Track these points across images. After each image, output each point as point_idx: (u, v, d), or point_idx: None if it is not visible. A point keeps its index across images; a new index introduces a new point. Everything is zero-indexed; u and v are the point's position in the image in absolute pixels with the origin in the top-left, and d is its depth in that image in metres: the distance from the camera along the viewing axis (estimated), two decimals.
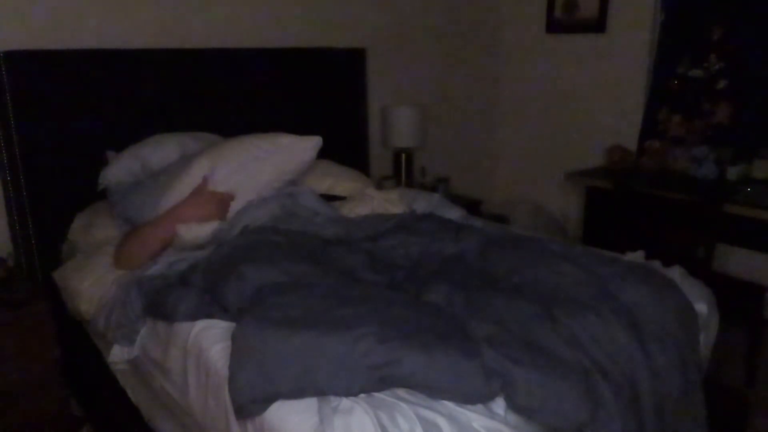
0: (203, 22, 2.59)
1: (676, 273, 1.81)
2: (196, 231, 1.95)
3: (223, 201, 2.06)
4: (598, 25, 3.36)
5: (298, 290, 1.52)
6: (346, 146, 3.09)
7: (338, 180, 2.60)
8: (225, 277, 1.61)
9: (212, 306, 1.60)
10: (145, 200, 2.06)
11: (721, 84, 2.97)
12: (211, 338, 1.50)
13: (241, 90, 2.69)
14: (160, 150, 2.27)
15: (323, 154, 2.79)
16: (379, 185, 2.94)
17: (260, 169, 2.13)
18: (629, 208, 2.60)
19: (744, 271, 2.83)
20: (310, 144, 2.20)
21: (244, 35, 2.71)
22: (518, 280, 1.68)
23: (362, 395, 1.24)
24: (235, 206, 2.09)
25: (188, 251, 1.88)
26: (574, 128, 3.62)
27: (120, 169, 2.22)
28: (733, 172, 2.80)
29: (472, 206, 3.10)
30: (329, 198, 2.37)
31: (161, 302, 1.65)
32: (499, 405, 1.25)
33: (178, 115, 2.49)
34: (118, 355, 1.77)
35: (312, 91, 2.93)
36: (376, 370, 1.25)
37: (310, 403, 1.24)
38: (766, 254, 2.75)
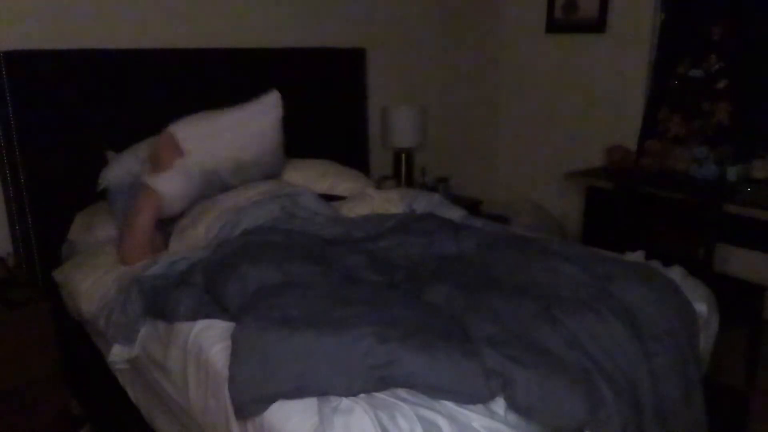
0: (203, 22, 2.59)
1: (676, 273, 1.81)
2: (166, 179, 2.00)
3: (168, 143, 2.09)
4: (598, 25, 3.36)
5: (298, 290, 1.52)
6: (346, 146, 3.09)
7: (338, 180, 2.60)
8: (225, 277, 1.62)
9: (212, 306, 1.60)
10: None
11: (721, 84, 2.97)
12: (211, 338, 1.50)
13: (241, 90, 2.68)
14: None
15: (323, 154, 2.81)
16: (379, 185, 2.94)
17: (218, 121, 2.21)
18: (629, 208, 2.60)
19: (744, 271, 2.83)
20: (269, 98, 2.32)
21: (245, 35, 2.71)
22: (518, 280, 1.68)
23: (362, 395, 1.24)
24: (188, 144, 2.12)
25: (187, 252, 1.88)
26: (574, 128, 3.62)
27: (120, 169, 2.22)
28: (733, 172, 2.80)
29: (472, 206, 3.10)
30: (329, 198, 2.37)
31: (161, 302, 1.65)
32: (499, 405, 1.25)
33: (178, 115, 2.48)
34: (118, 355, 1.77)
35: (312, 91, 2.93)
36: (376, 370, 1.25)
37: (310, 403, 1.24)
38: (766, 254, 2.76)
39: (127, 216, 2.02)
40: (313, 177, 2.54)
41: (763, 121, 2.87)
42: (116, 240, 2.07)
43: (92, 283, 1.91)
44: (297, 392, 1.26)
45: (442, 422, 1.18)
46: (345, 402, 1.22)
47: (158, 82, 2.44)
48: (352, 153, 3.09)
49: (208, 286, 1.66)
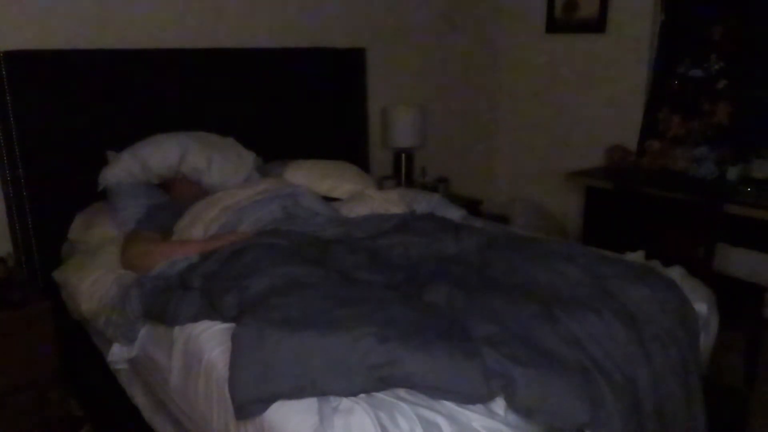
0: (203, 22, 2.59)
1: (676, 273, 1.81)
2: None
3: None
4: (598, 25, 3.36)
5: (298, 291, 1.51)
6: (346, 146, 3.09)
7: (340, 180, 2.58)
8: (226, 288, 1.60)
9: (212, 310, 1.59)
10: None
11: (721, 84, 2.97)
12: (211, 340, 1.50)
13: (241, 90, 2.69)
14: (160, 150, 2.27)
15: (324, 154, 2.81)
16: (379, 185, 2.94)
17: None
18: (629, 208, 2.60)
19: (744, 271, 2.83)
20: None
21: (244, 35, 2.71)
22: (518, 280, 1.68)
23: (362, 395, 1.24)
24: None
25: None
26: (574, 128, 3.61)
27: (120, 169, 2.22)
28: (733, 172, 2.80)
29: (472, 206, 3.09)
30: (331, 200, 2.37)
31: (161, 305, 1.64)
32: (499, 405, 1.25)
33: (178, 115, 2.49)
34: (117, 354, 1.77)
35: (312, 91, 2.93)
36: (376, 370, 1.25)
37: (310, 403, 1.24)
38: (766, 254, 2.75)
39: (167, 244, 1.93)
40: (314, 177, 2.52)
41: (763, 121, 2.87)
42: (117, 240, 2.06)
43: (92, 283, 1.90)
44: (297, 392, 1.26)
45: (442, 422, 1.18)
46: (345, 402, 1.22)
47: (158, 82, 2.44)
48: (352, 153, 3.08)
49: (208, 293, 1.65)
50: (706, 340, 1.73)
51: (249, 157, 2.49)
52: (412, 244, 1.92)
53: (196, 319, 1.57)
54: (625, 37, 3.28)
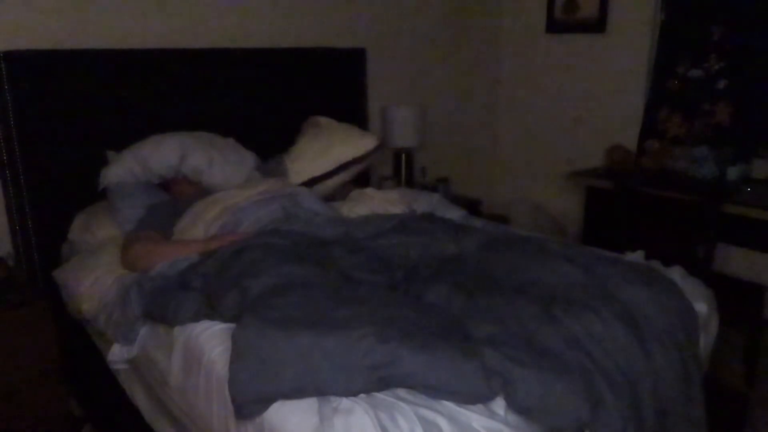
0: (203, 22, 2.59)
1: (676, 273, 1.81)
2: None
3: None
4: (598, 25, 3.36)
5: (299, 291, 1.51)
6: None
7: (338, 147, 2.54)
8: (226, 288, 1.60)
9: (212, 310, 1.60)
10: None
11: (721, 84, 2.97)
12: (211, 340, 1.50)
13: (241, 90, 2.69)
14: (160, 150, 2.27)
15: None
16: (379, 185, 2.94)
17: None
18: (629, 208, 2.60)
19: (744, 271, 2.83)
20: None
21: (245, 35, 2.72)
22: (518, 280, 1.68)
23: (362, 395, 1.24)
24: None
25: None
26: (574, 128, 3.62)
27: (120, 169, 2.22)
28: (733, 172, 2.80)
29: (472, 206, 3.10)
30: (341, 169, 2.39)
31: (162, 305, 1.64)
32: (499, 405, 1.25)
33: (178, 115, 2.49)
34: (117, 354, 1.77)
35: (312, 91, 2.93)
36: (376, 370, 1.25)
37: (310, 403, 1.24)
38: (766, 254, 2.76)
39: (167, 244, 1.93)
40: (315, 158, 2.50)
41: (763, 121, 2.87)
42: (117, 240, 2.06)
43: (92, 283, 1.91)
44: (297, 392, 1.26)
45: (442, 422, 1.18)
46: (345, 402, 1.22)
47: (158, 82, 2.44)
48: None
49: (208, 294, 1.65)
50: (706, 340, 1.73)
51: (249, 158, 2.49)
52: (412, 244, 1.92)
53: (196, 319, 1.57)
54: (625, 37, 3.29)
